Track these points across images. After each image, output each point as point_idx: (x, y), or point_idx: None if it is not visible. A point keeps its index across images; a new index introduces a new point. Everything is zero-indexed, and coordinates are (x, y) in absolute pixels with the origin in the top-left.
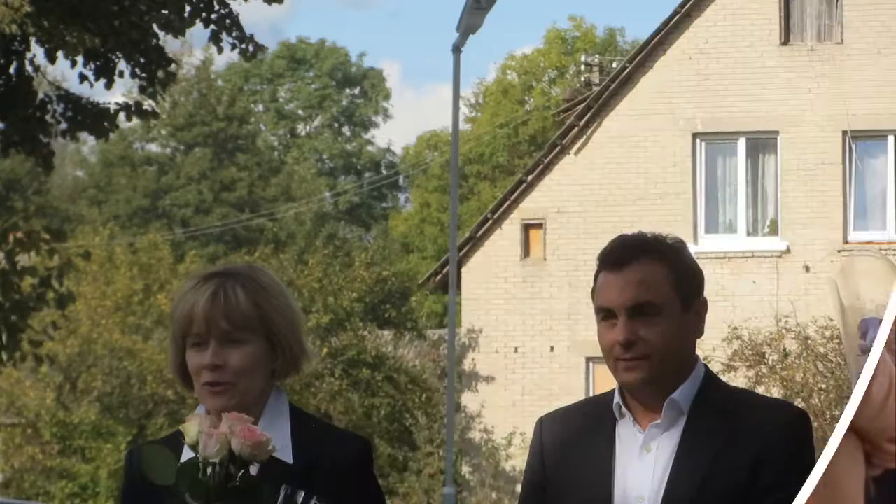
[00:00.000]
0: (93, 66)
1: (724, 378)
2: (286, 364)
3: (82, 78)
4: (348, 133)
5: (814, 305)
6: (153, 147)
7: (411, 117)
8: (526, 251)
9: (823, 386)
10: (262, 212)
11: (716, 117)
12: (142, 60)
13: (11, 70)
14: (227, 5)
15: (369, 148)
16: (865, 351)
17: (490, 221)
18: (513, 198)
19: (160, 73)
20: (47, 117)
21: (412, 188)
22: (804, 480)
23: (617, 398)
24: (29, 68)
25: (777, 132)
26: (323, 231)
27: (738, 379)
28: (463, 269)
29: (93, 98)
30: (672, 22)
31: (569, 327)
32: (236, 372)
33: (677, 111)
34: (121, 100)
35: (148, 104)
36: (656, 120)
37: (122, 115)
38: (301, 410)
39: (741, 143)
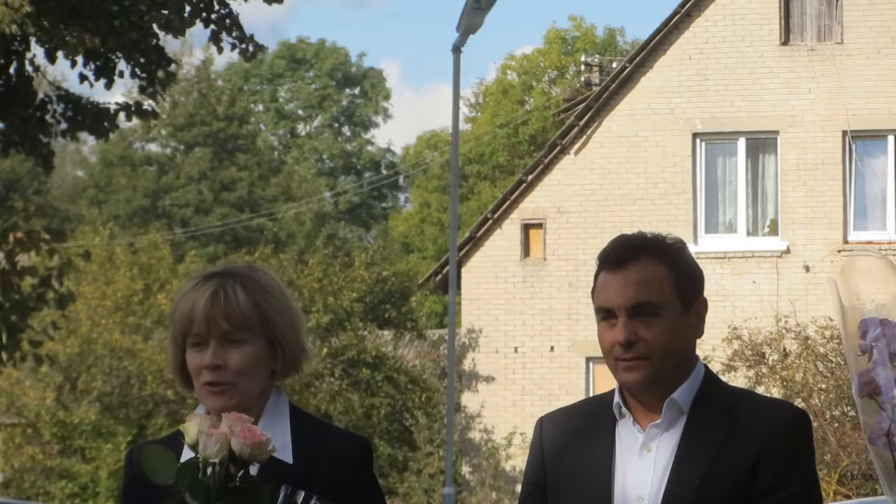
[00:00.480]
0: (93, 66)
1: (724, 378)
2: (286, 364)
3: (82, 78)
4: (348, 133)
5: (814, 305)
6: (153, 147)
7: (411, 117)
8: (526, 251)
9: (823, 386)
10: (262, 212)
11: (716, 117)
12: (142, 60)
13: (11, 70)
14: (227, 5)
15: (369, 148)
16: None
17: (490, 221)
18: (513, 198)
19: (160, 73)
20: (47, 117)
21: (412, 188)
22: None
23: (617, 398)
24: (29, 68)
25: (777, 132)
26: (323, 231)
27: (738, 379)
28: (463, 269)
29: (93, 98)
30: (672, 22)
31: (569, 327)
32: (236, 372)
33: (677, 111)
34: (121, 100)
35: (148, 104)
36: (656, 120)
37: (122, 115)
38: (301, 410)
39: (741, 143)
